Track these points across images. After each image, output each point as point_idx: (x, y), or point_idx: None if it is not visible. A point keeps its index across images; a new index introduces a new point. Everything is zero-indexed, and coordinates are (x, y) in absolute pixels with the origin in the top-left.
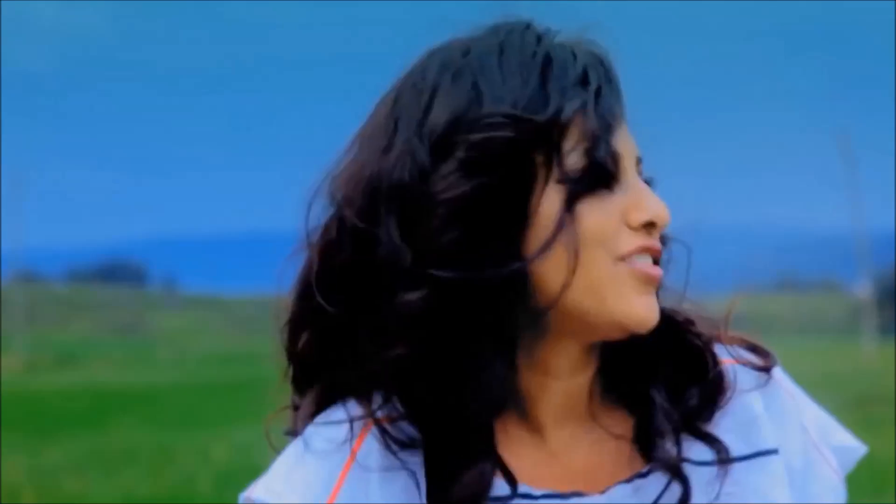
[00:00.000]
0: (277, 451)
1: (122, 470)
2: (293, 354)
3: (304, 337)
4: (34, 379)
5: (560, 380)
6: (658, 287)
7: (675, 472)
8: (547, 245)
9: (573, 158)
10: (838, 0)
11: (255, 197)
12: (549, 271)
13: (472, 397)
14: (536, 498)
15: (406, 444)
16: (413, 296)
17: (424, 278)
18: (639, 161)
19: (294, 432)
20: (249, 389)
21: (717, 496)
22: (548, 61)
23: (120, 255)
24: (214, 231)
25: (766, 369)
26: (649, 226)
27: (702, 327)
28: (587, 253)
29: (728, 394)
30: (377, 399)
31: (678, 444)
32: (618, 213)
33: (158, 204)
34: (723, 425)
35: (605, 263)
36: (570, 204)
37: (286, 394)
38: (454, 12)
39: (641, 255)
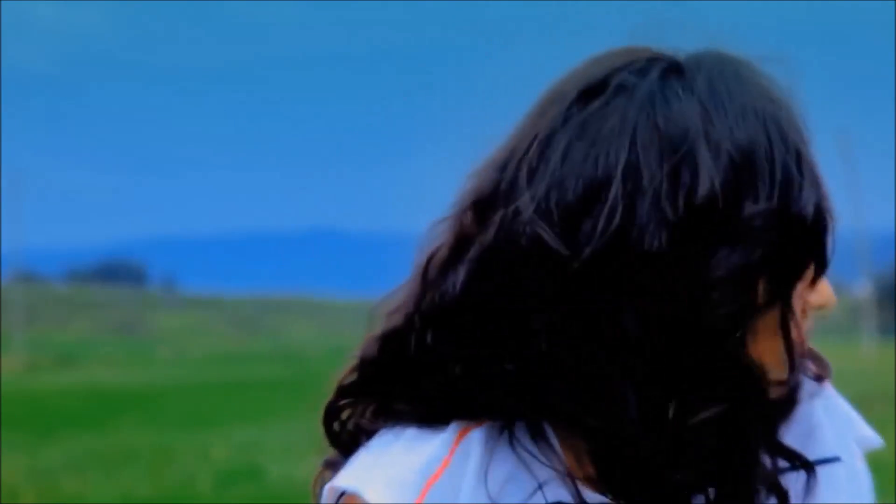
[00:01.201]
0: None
1: (122, 470)
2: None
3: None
4: (34, 379)
5: None
6: None
7: (774, 484)
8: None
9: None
10: (838, 0)
11: (255, 197)
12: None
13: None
14: None
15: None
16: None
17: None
18: None
19: (351, 441)
20: (249, 389)
21: None
22: (782, 132)
23: (120, 255)
24: (214, 231)
25: (823, 379)
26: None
27: None
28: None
29: (796, 406)
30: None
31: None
32: (803, 294)
33: (158, 204)
34: (786, 436)
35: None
36: (789, 291)
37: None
38: (453, 15)
39: None
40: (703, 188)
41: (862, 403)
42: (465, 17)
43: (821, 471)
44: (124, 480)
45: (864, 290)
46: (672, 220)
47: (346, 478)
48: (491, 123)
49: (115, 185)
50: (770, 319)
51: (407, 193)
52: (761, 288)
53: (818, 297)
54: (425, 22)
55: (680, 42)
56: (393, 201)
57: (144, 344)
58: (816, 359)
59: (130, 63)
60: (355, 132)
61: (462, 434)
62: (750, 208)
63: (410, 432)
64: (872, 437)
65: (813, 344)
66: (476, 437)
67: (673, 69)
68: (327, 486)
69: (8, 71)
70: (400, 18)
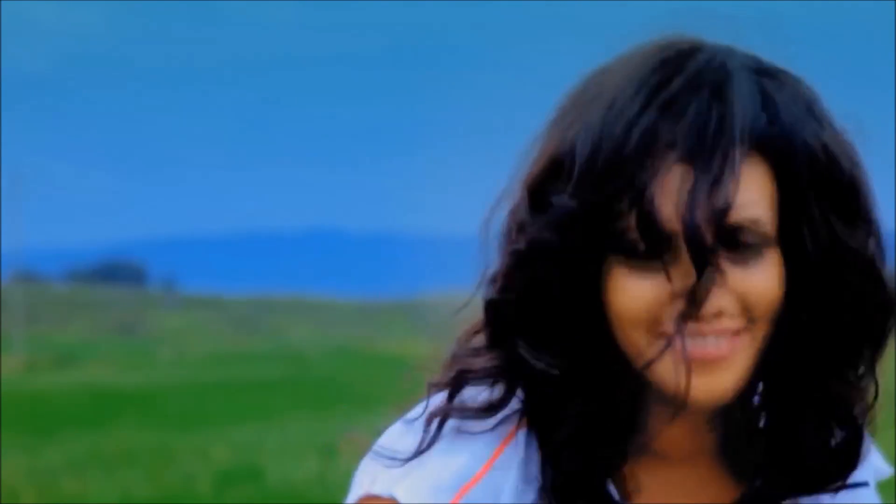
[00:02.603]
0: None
1: (121, 470)
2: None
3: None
4: (34, 379)
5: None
6: (725, 362)
7: None
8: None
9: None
10: (838, 0)
11: (255, 197)
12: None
13: None
14: None
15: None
16: None
17: None
18: (739, 228)
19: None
20: (249, 389)
21: None
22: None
23: (120, 255)
24: (214, 231)
25: None
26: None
27: None
28: (622, 327)
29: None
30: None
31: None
32: (667, 292)
33: (159, 204)
34: None
35: (641, 339)
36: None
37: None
38: (452, 15)
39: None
40: None
41: None
42: (465, 18)
43: (847, 494)
44: (124, 480)
45: None
46: None
47: (380, 483)
48: (490, 124)
49: (115, 185)
50: None
51: (406, 194)
52: None
53: (680, 303)
54: (425, 22)
55: None
56: (392, 201)
57: (144, 344)
58: None
59: (130, 63)
60: (355, 132)
61: (509, 437)
62: None
63: (450, 433)
64: (884, 468)
65: None
66: (521, 440)
67: None
68: (358, 487)
69: (8, 71)
70: (399, 19)
